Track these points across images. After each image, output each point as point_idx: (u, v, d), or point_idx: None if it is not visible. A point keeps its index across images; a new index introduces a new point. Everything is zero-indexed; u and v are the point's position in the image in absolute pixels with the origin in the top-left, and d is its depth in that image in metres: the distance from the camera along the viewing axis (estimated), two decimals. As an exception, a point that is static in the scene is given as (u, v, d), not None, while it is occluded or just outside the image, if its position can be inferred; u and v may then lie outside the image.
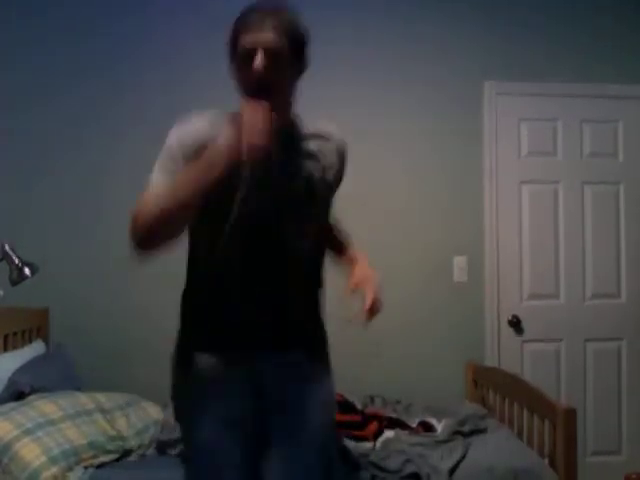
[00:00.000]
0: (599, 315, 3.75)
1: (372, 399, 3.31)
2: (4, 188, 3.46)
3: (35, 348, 3.17)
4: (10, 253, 2.69)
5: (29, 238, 3.23)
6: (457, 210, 3.67)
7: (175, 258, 3.59)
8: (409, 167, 3.63)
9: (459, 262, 3.67)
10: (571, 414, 2.53)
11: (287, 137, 1.70)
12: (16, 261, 2.69)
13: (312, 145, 1.76)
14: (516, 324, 3.68)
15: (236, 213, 1.66)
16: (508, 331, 3.69)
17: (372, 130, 3.56)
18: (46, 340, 3.38)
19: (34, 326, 3.34)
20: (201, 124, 1.71)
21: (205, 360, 1.78)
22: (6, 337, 3.07)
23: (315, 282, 1.82)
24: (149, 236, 1.74)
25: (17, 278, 2.69)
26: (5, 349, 3.05)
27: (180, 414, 1.92)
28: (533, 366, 3.68)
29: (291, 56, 1.64)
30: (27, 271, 2.70)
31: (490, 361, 3.63)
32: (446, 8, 3.67)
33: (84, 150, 3.51)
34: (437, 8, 3.66)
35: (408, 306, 3.58)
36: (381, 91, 3.61)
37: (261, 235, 1.70)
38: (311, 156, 1.74)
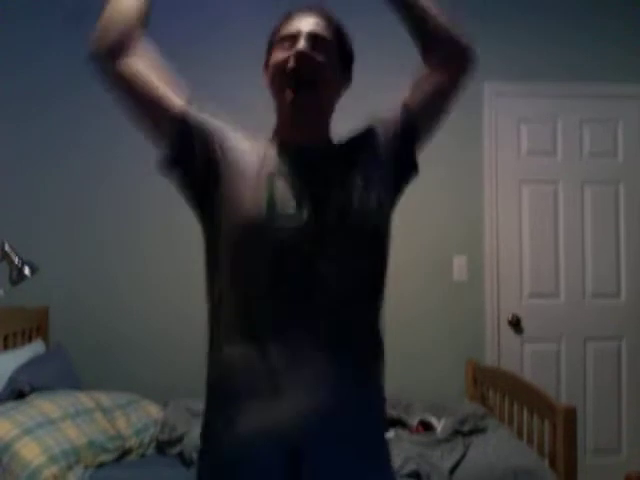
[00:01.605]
0: (599, 314, 3.75)
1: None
2: (4, 188, 3.46)
3: (35, 347, 3.17)
4: (10, 253, 2.70)
5: (29, 238, 3.23)
6: (457, 210, 3.67)
7: (177, 259, 3.62)
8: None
9: (459, 261, 3.67)
10: (571, 413, 2.53)
11: (320, 157, 1.43)
12: (16, 261, 2.69)
13: (346, 165, 1.44)
14: (516, 323, 3.68)
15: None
16: (508, 330, 3.69)
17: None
18: (46, 339, 3.38)
19: (34, 325, 3.35)
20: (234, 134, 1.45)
21: None
22: (6, 336, 3.07)
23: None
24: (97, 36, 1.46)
25: (17, 278, 2.70)
26: (5, 348, 3.04)
27: None
28: (533, 365, 3.68)
29: (337, 57, 1.45)
30: (27, 271, 2.70)
31: (490, 360, 3.63)
32: (445, 8, 3.66)
33: (84, 150, 3.51)
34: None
35: (408, 305, 3.58)
36: (381, 92, 3.60)
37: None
38: (346, 181, 1.41)
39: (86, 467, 2.48)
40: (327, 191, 1.37)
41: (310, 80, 1.38)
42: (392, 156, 1.48)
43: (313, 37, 1.40)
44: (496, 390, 3.24)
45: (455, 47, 1.53)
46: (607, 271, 3.77)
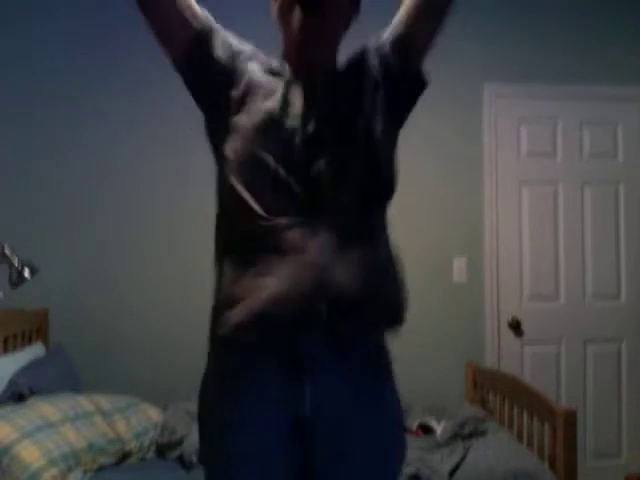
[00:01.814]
0: (599, 316, 3.75)
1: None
2: (4, 189, 3.46)
3: (35, 350, 3.17)
4: (10, 255, 2.69)
5: (29, 239, 3.22)
6: (457, 211, 3.67)
7: (177, 259, 3.62)
8: (409, 168, 3.60)
9: (459, 263, 3.67)
10: (571, 416, 2.53)
11: (327, 81, 1.46)
12: (16, 263, 2.69)
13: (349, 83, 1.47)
14: (516, 326, 3.68)
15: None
16: (508, 332, 3.69)
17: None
18: (46, 342, 3.38)
19: (34, 328, 3.34)
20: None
21: None
22: (6, 339, 3.07)
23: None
24: None
25: (17, 280, 2.69)
26: (5, 351, 3.04)
27: None
28: (533, 368, 3.67)
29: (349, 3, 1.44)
30: (27, 273, 2.69)
31: (490, 363, 3.63)
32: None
33: (84, 150, 3.51)
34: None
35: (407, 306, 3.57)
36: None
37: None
38: (352, 103, 1.44)
39: (86, 470, 2.48)
40: (333, 108, 1.41)
41: (319, 2, 1.36)
42: (393, 75, 1.48)
43: None
44: (496, 393, 3.24)
45: None
46: (607, 272, 3.76)
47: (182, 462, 2.65)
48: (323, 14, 1.38)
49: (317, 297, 1.31)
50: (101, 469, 2.54)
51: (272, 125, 1.37)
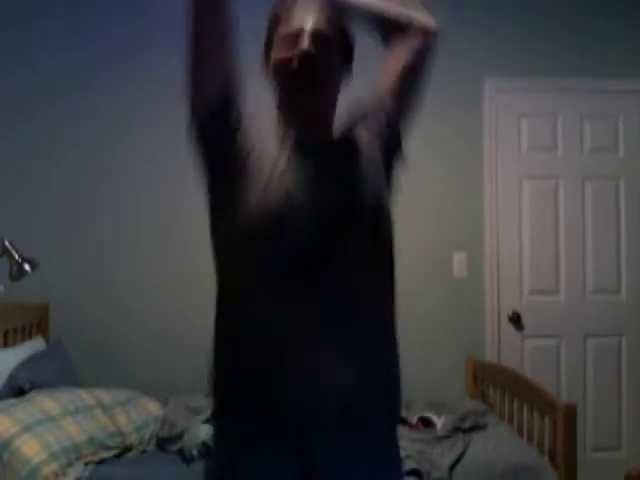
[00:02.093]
0: (599, 311, 3.75)
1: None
2: (4, 187, 3.46)
3: (35, 344, 3.17)
4: (10, 249, 2.69)
5: (29, 235, 3.22)
6: (457, 206, 3.67)
7: (177, 259, 3.62)
8: (409, 163, 3.62)
9: (459, 258, 3.67)
10: (571, 410, 2.53)
11: (326, 154, 1.44)
12: (16, 257, 2.69)
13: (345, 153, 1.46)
14: (516, 320, 3.68)
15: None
16: (508, 327, 3.69)
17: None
18: (46, 336, 3.38)
19: (34, 322, 3.34)
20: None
21: None
22: (6, 333, 3.07)
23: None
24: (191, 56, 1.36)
25: (17, 274, 2.69)
26: (5, 345, 3.04)
27: None
28: (533, 362, 3.68)
29: (340, 52, 1.45)
30: (27, 267, 2.70)
31: (490, 357, 3.63)
32: (445, 5, 3.65)
33: (84, 150, 3.51)
34: (437, 5, 3.64)
35: (408, 302, 3.54)
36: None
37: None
38: (354, 176, 1.43)
39: (86, 464, 2.48)
40: (338, 187, 1.39)
41: (314, 81, 1.38)
42: (381, 145, 1.50)
43: (316, 35, 1.38)
44: (496, 387, 3.24)
45: (413, 27, 1.57)
46: (607, 267, 3.76)
47: (182, 455, 2.66)
48: (318, 93, 1.40)
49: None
50: (102, 462, 2.54)
51: (276, 224, 1.33)
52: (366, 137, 1.49)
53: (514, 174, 3.72)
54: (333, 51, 1.42)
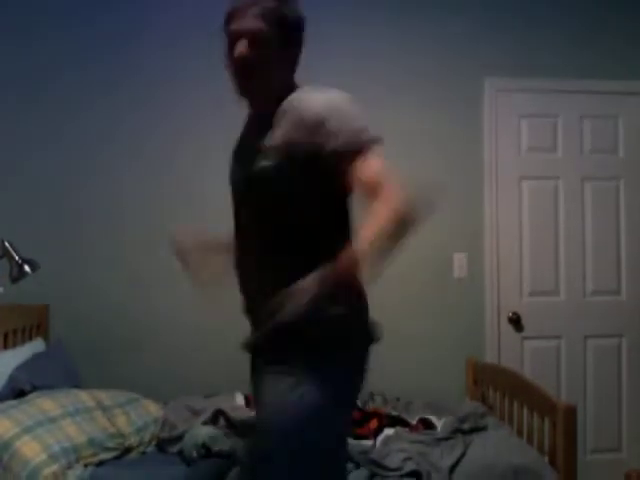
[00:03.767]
0: (599, 312, 3.75)
1: (372, 397, 3.31)
2: (4, 187, 3.45)
3: (35, 345, 3.17)
4: (10, 250, 2.69)
5: (29, 236, 3.22)
6: (457, 206, 3.66)
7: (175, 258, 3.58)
8: (409, 164, 3.61)
9: (459, 259, 3.67)
10: (571, 411, 2.53)
11: (261, 122, 1.73)
12: (16, 258, 2.69)
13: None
14: (516, 321, 3.68)
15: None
16: (508, 328, 3.69)
17: (372, 127, 3.54)
18: (46, 337, 3.38)
19: (34, 323, 3.34)
20: None
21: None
22: (6, 334, 3.07)
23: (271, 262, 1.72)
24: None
25: (17, 275, 2.69)
26: (5, 346, 3.04)
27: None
28: (533, 363, 3.68)
29: (277, 42, 1.68)
30: (27, 268, 2.70)
31: (490, 358, 3.63)
32: (446, 5, 3.65)
33: (85, 149, 3.50)
34: (437, 5, 3.65)
35: (408, 303, 3.57)
36: (382, 88, 3.60)
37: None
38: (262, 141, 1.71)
39: (86, 465, 2.48)
40: (249, 153, 1.73)
41: (248, 73, 1.68)
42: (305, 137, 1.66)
43: (245, 36, 1.66)
44: (496, 388, 3.23)
45: None
46: (607, 268, 3.76)
47: (182, 457, 2.65)
48: (253, 79, 1.69)
49: None
50: (102, 464, 2.53)
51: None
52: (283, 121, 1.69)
53: (514, 174, 3.72)
54: (268, 49, 1.67)
